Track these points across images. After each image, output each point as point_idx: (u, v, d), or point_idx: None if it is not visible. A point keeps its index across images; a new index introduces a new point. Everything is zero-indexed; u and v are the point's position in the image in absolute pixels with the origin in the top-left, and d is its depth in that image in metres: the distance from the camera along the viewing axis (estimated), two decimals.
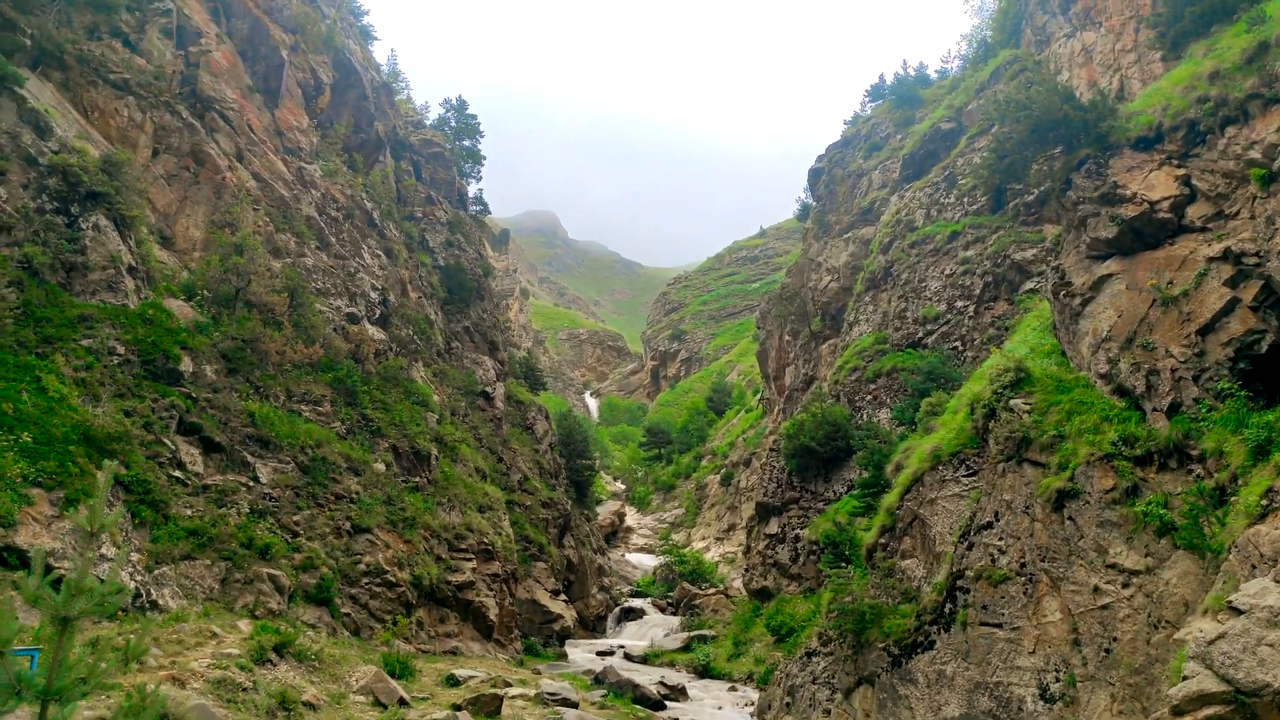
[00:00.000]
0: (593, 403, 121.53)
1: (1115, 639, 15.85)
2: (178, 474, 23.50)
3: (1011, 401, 20.19)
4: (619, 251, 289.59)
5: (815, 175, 66.77)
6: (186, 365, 25.59)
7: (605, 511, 67.55)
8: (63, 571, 5.99)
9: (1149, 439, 16.79)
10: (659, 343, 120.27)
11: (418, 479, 31.60)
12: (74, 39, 30.54)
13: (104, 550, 17.88)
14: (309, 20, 43.32)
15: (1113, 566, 16.29)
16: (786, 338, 59.52)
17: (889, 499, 25.43)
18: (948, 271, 39.62)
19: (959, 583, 19.80)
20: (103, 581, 9.22)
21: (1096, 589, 16.42)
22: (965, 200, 42.13)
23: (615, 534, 67.11)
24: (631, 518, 73.13)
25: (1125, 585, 15.99)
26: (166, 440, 23.51)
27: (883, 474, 31.08)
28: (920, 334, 39.27)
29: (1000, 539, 19.16)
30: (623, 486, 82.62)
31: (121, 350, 24.11)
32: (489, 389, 45.22)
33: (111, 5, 32.41)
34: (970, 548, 19.95)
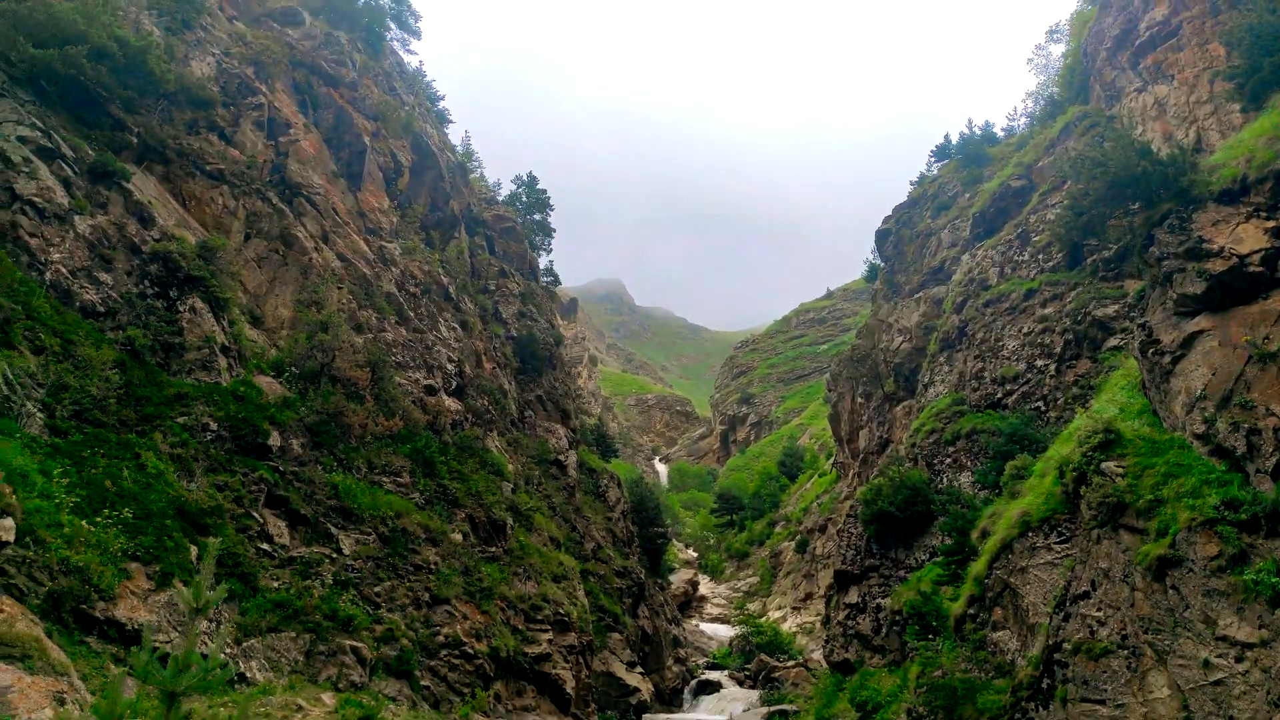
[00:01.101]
0: (662, 468, 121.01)
1: (1232, 718, 14.90)
2: (265, 546, 24.14)
3: (1103, 464, 19.50)
4: (685, 316, 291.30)
5: (883, 236, 66.55)
6: (275, 440, 26.48)
7: (678, 580, 66.66)
8: (160, 645, 6.22)
9: (1254, 503, 16.00)
10: (727, 407, 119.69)
11: (494, 549, 31.79)
12: (175, 134, 32.66)
13: (200, 624, 18.38)
14: (389, 108, 45.54)
15: (1223, 639, 15.41)
16: (859, 400, 58.67)
17: (976, 567, 24.59)
18: (1025, 330, 38.77)
19: (1056, 656, 18.91)
20: (205, 657, 9.49)
21: (1207, 663, 15.53)
22: (1040, 257, 41.41)
23: (689, 603, 66.03)
24: (705, 586, 71.95)
25: (1239, 659, 15.09)
26: (255, 513, 24.24)
27: (967, 540, 30.09)
28: (999, 394, 38.32)
29: (1099, 609, 18.31)
30: (695, 554, 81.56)
31: (214, 426, 25.10)
32: (562, 457, 45.51)
33: (209, 101, 34.65)
34: (1067, 619, 19.10)
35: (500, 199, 61.48)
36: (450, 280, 44.04)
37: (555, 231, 63.80)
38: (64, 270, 24.97)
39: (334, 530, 26.29)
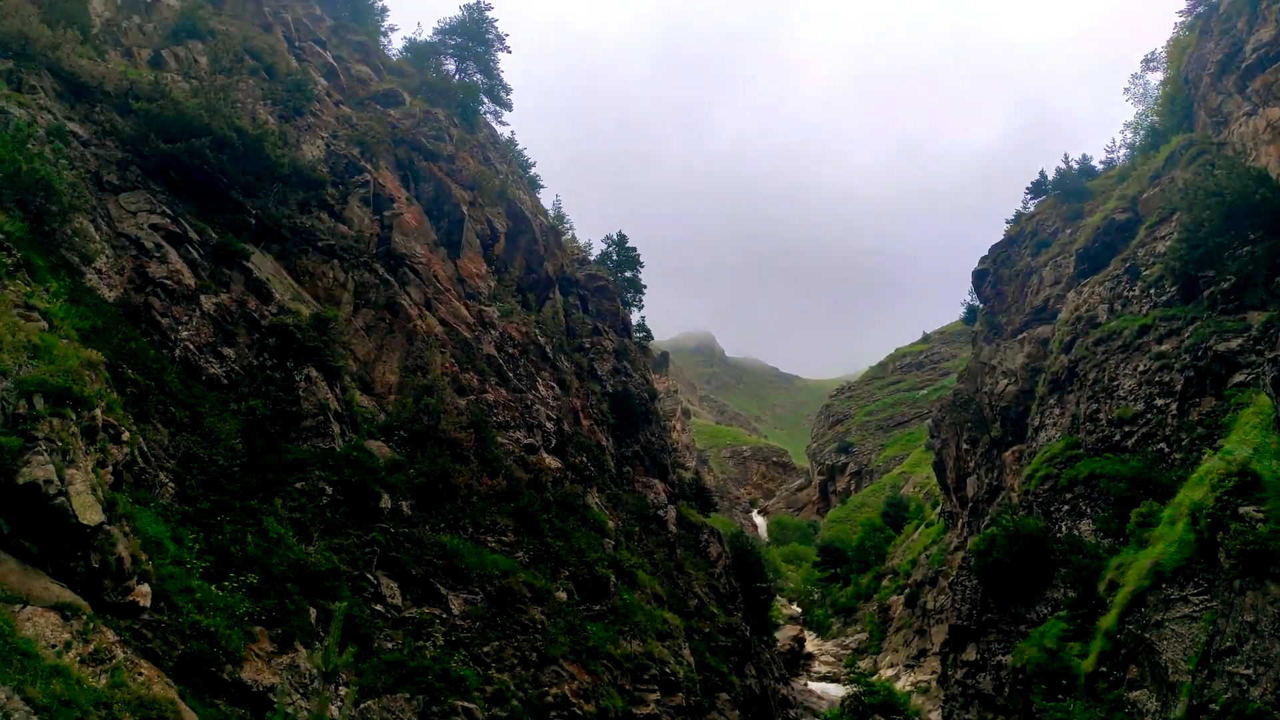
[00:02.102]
0: (761, 521, 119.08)
1: None
2: (379, 607, 24.73)
3: (1241, 509, 18.30)
4: (777, 365, 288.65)
5: (980, 276, 64.94)
6: (385, 502, 27.28)
7: (784, 637, 64.99)
8: (281, 706, 6.43)
9: None
10: (825, 456, 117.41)
11: (598, 607, 31.74)
12: (289, 214, 34.63)
13: (318, 685, 18.89)
14: (484, 177, 47.35)
15: None
16: (964, 446, 56.75)
17: (1106, 621, 23.25)
18: (1142, 368, 36.99)
19: (1202, 718, 17.61)
20: None
21: None
22: (1152, 291, 39.63)
23: (795, 661, 64.21)
24: (811, 643, 69.91)
25: None
26: (369, 575, 24.91)
27: (1093, 592, 28.51)
28: (1117, 436, 36.51)
29: (1248, 666, 17.02)
30: (799, 610, 79.49)
31: (330, 491, 26.05)
32: (661, 512, 45.36)
33: (319, 181, 36.72)
34: (1211, 676, 17.81)
35: (592, 258, 62.77)
36: (547, 340, 44.94)
37: (646, 288, 64.63)
38: (192, 346, 26.58)
39: (443, 590, 26.75)
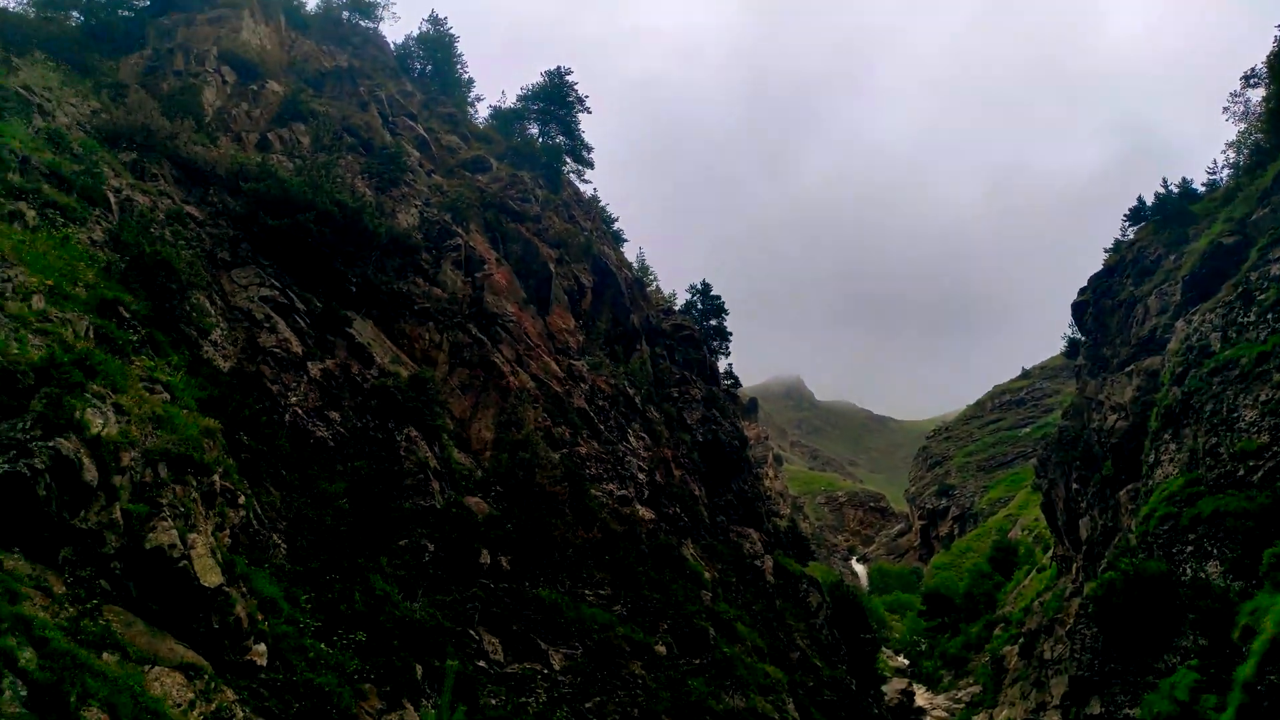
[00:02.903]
0: (861, 569, 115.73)
1: None
2: (482, 664, 24.98)
3: None
4: (870, 407, 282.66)
5: (1080, 308, 62.68)
6: (485, 558, 27.71)
7: (891, 690, 62.58)
8: None
9: None
10: (925, 500, 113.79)
11: (698, 660, 31.30)
12: (386, 280, 36.09)
13: None
14: (570, 235, 48.51)
15: None
16: (1074, 485, 54.23)
17: (1244, 671, 21.70)
18: (1264, 398, 34.87)
19: None
20: None
21: None
22: (1270, 317, 37.50)
23: (905, 716, 61.64)
24: (921, 697, 67.09)
25: None
26: (472, 631, 25.24)
27: (1226, 640, 26.66)
28: (1241, 471, 34.35)
29: None
30: (906, 661, 76.54)
31: (431, 548, 26.63)
32: (758, 562, 44.68)
33: (414, 247, 38.24)
34: None
35: (677, 308, 63.19)
36: (635, 391, 45.26)
37: (732, 335, 64.62)
38: (300, 411, 27.79)
39: (544, 645, 26.86)
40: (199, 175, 33.93)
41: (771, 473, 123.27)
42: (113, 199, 28.26)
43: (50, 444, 16.92)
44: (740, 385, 73.88)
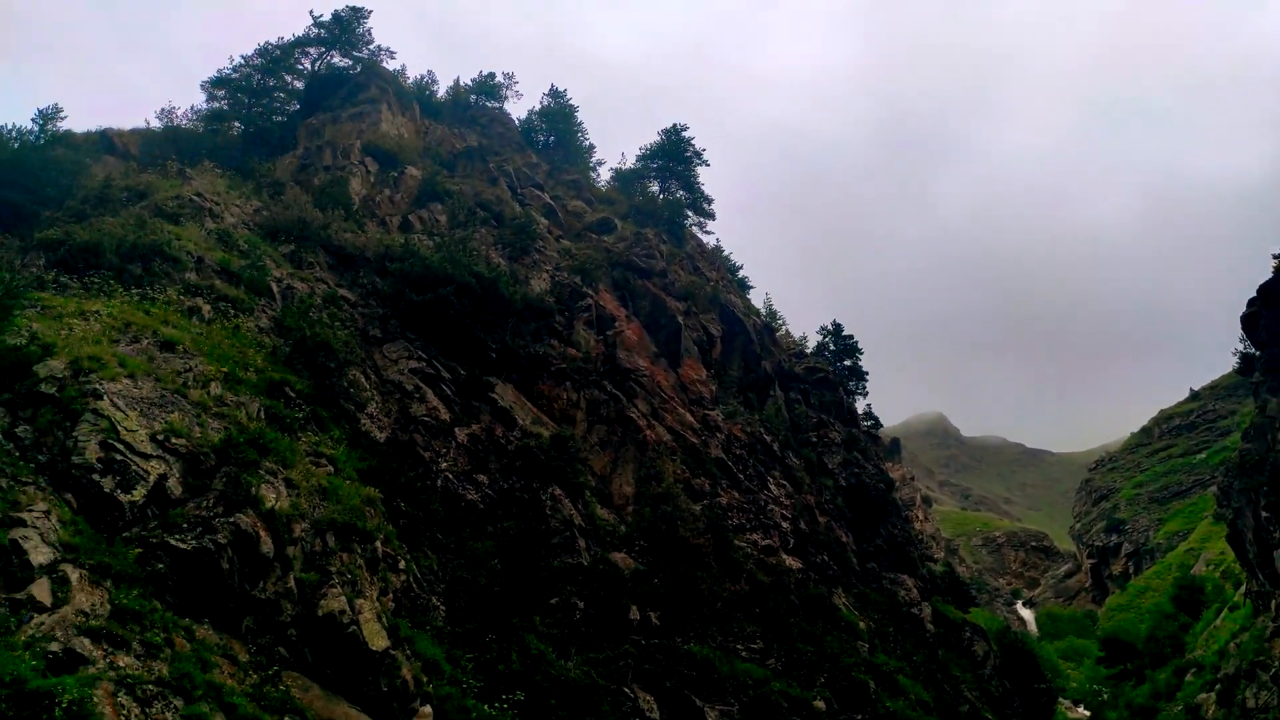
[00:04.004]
0: (1027, 614, 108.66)
1: None
2: None
3: None
4: (1022, 441, 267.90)
5: (1251, 320, 57.66)
6: (634, 614, 27.75)
7: None
8: None
9: None
10: (1093, 537, 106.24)
11: (859, 716, 30.08)
12: (523, 344, 37.34)
13: None
14: (696, 286, 48.94)
15: None
16: (1264, 514, 49.36)
17: None
18: None
19: None
20: None
21: None
22: None
23: None
24: None
25: None
26: (626, 689, 25.21)
27: None
28: None
29: None
30: (1086, 713, 70.84)
31: (582, 606, 26.91)
32: (915, 610, 42.74)
33: (548, 311, 39.49)
34: None
35: (809, 351, 62.29)
36: (772, 438, 44.69)
37: (868, 375, 62.95)
38: (451, 476, 28.91)
39: (699, 702, 26.49)
40: (350, 260, 36.40)
41: (921, 515, 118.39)
42: (275, 288, 30.66)
43: (231, 520, 18.26)
44: (881, 425, 71.66)
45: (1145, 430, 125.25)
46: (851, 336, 62.71)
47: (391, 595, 21.66)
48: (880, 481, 52.24)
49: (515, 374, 36.27)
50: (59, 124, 40.98)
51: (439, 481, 28.51)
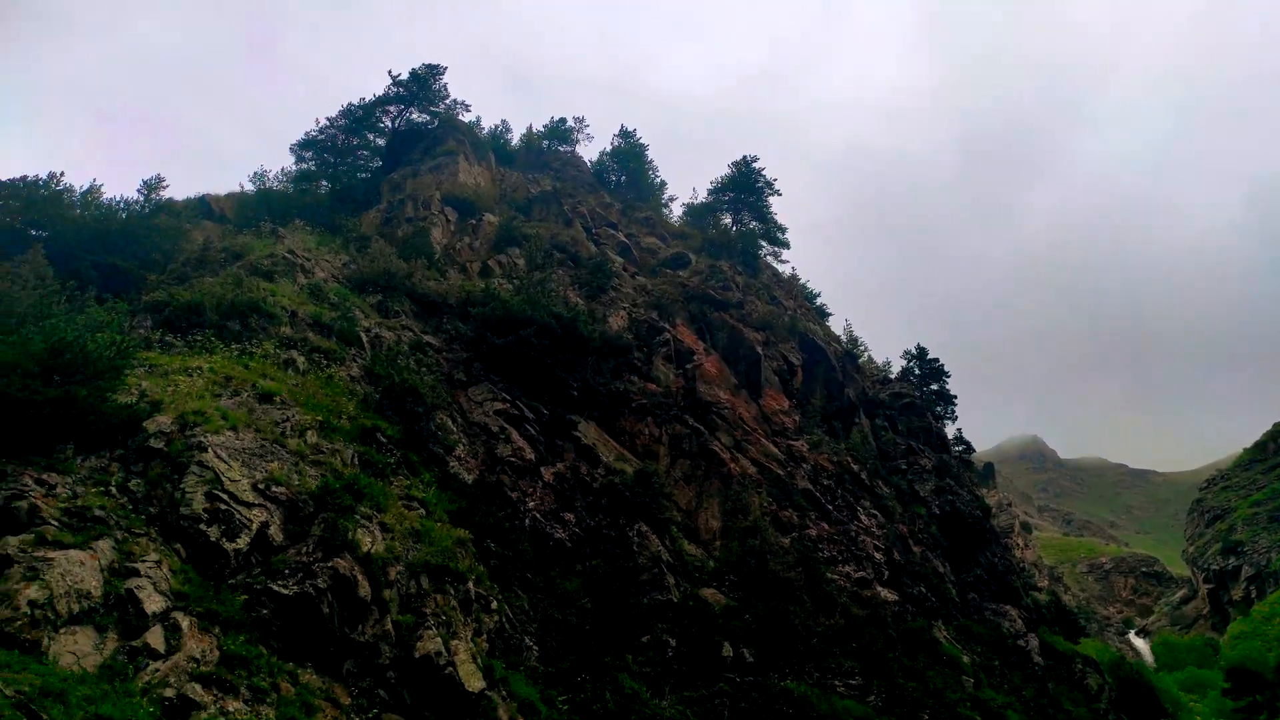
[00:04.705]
0: (1141, 644, 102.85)
1: None
2: None
3: None
4: (1124, 461, 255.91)
5: None
6: (727, 651, 27.30)
7: None
8: None
9: None
10: (1209, 560, 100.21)
11: None
12: (604, 381, 37.58)
13: None
14: (773, 316, 48.60)
15: None
16: None
17: None
18: None
19: None
20: None
21: None
22: None
23: None
24: None
25: None
26: None
27: None
28: None
29: None
30: None
31: (673, 643, 26.62)
32: (1020, 641, 40.92)
33: (626, 347, 39.71)
34: None
35: (893, 376, 61.00)
36: (860, 467, 43.74)
37: (956, 399, 61.15)
38: (538, 515, 29.13)
39: None
40: (433, 307, 37.41)
41: (1021, 542, 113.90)
42: (365, 338, 31.67)
43: (329, 564, 18.74)
44: (973, 450, 69.41)
45: (1259, 445, 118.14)
46: (937, 359, 61.17)
47: (485, 636, 21.83)
48: (976, 508, 50.51)
49: (597, 411, 36.50)
50: (161, 193, 43.61)
51: (527, 521, 28.74)
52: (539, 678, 23.07)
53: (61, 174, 41.63)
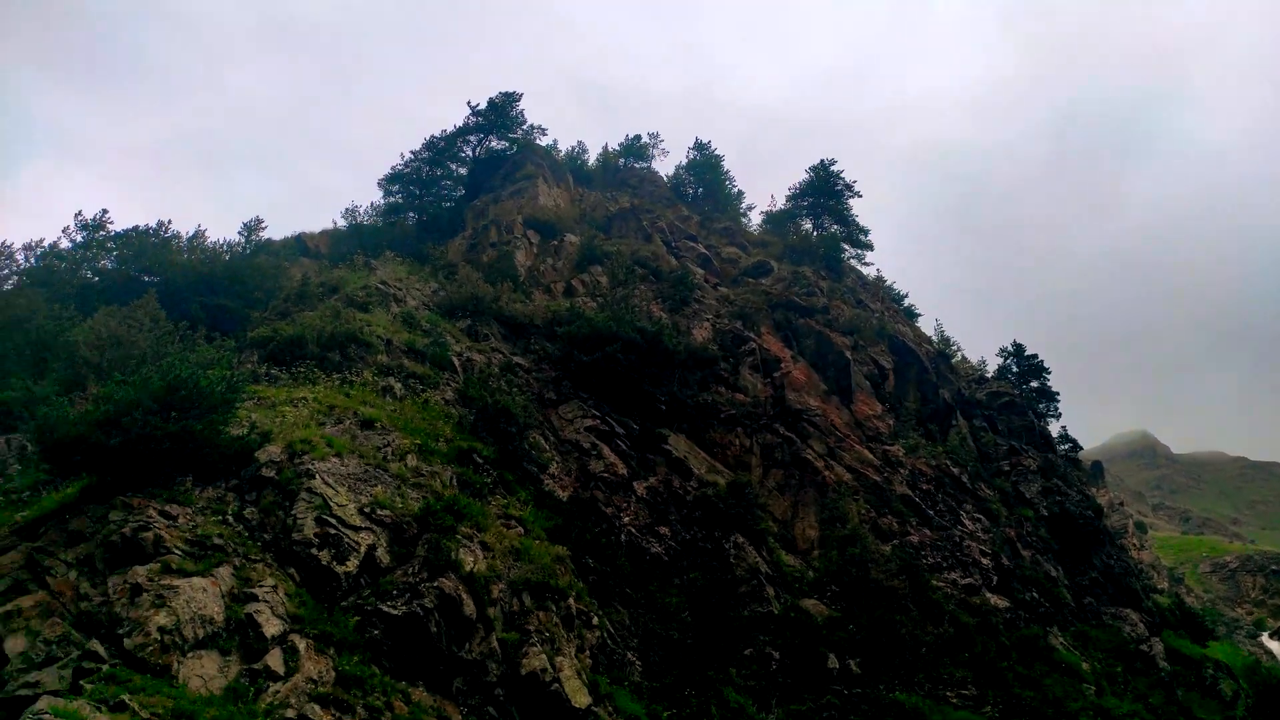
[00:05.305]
0: (1276, 646, 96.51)
1: None
2: None
3: None
4: (1245, 454, 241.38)
5: None
6: (833, 663, 26.73)
7: None
8: None
9: None
10: None
11: None
12: (691, 394, 37.48)
13: None
14: (860, 320, 47.71)
15: None
16: None
17: None
18: None
19: None
20: None
21: None
22: None
23: None
24: None
25: None
26: None
27: None
28: None
29: None
30: None
31: (777, 656, 26.21)
32: (1144, 646, 38.83)
33: (712, 359, 39.57)
34: None
35: (989, 375, 59.06)
36: (961, 470, 42.41)
37: (1059, 396, 58.75)
38: (634, 530, 29.17)
39: None
40: (520, 328, 38.05)
41: (1136, 542, 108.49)
42: (456, 362, 32.42)
43: (435, 584, 19.14)
44: (1080, 448, 66.48)
45: None
46: (1035, 355, 58.96)
47: (588, 652, 21.92)
48: (1087, 508, 48.34)
49: (685, 424, 36.40)
50: (260, 234, 45.71)
51: (622, 536, 28.81)
52: (643, 693, 23.02)
53: (169, 221, 44.16)
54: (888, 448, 41.11)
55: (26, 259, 44.47)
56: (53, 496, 18.74)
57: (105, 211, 45.91)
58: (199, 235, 43.31)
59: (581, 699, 19.23)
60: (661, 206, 59.56)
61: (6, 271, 43.90)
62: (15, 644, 14.59)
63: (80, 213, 46.78)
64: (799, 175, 62.20)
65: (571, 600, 22.27)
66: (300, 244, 49.08)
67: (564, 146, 66.14)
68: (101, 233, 45.36)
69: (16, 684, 13.79)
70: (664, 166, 70.96)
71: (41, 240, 45.75)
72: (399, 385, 28.41)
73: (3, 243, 44.66)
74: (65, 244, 45.22)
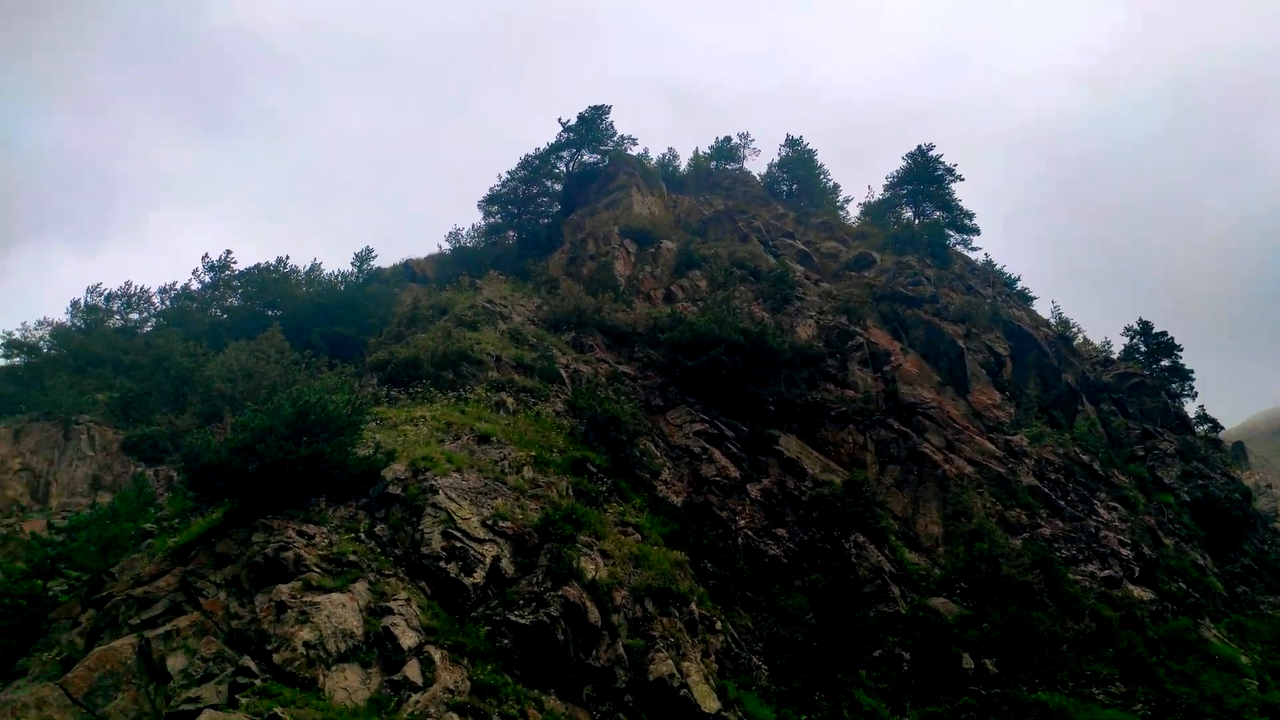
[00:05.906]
0: None
1: None
2: None
3: None
4: None
5: None
6: (967, 662, 25.78)
7: None
8: None
9: None
10: None
11: None
12: (799, 393, 36.93)
13: None
14: (972, 306, 46.04)
15: None
16: None
17: None
18: None
19: None
20: None
21: None
22: None
23: None
24: None
25: None
26: None
27: None
28: None
29: None
30: None
31: (907, 656, 25.46)
32: None
33: (818, 356, 38.89)
34: None
35: (1115, 356, 56.06)
36: (1091, 457, 40.33)
37: (1193, 374, 55.20)
38: (750, 533, 28.90)
39: None
40: (624, 337, 38.33)
41: None
42: (564, 374, 32.90)
43: (559, 593, 19.39)
44: (1220, 429, 62.30)
45: None
46: (1164, 333, 55.60)
47: (713, 656, 21.79)
48: (1234, 492, 45.23)
49: (795, 424, 35.87)
50: (371, 263, 47.58)
51: (739, 539, 28.57)
52: (771, 697, 22.72)
53: (287, 257, 46.51)
54: (1010, 437, 39.47)
55: (162, 301, 47.63)
56: (200, 522, 19.91)
57: (229, 252, 48.82)
58: (315, 268, 45.48)
59: (711, 704, 19.12)
60: (756, 206, 59.04)
61: (146, 314, 47.10)
62: (176, 661, 15.53)
63: (206, 255, 49.84)
64: (896, 164, 60.64)
65: (693, 605, 22.19)
66: (408, 269, 50.85)
67: (655, 154, 66.37)
68: (227, 272, 48.22)
69: (180, 699, 14.67)
70: (756, 166, 70.36)
71: (174, 283, 49.03)
72: (511, 399, 29.02)
73: (142, 288, 48.01)
74: (195, 285, 48.31)
